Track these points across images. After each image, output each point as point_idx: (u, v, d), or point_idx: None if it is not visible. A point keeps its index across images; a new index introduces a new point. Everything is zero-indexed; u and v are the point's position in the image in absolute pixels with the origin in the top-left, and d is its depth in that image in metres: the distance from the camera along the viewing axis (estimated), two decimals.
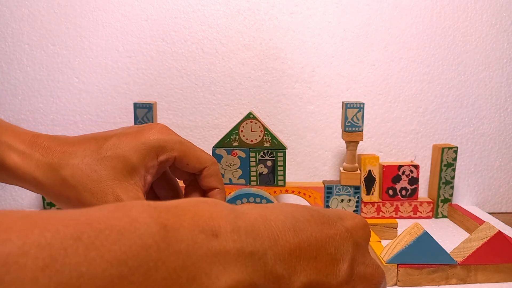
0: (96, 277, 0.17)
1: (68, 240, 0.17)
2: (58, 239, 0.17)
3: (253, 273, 0.21)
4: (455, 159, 0.65)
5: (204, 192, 0.44)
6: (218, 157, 0.62)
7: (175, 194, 0.45)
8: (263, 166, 0.63)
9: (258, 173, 0.64)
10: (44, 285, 0.15)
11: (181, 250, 0.19)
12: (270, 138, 0.62)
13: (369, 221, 0.58)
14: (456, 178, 0.68)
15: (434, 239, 0.44)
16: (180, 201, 0.23)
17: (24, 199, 0.72)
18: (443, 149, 0.65)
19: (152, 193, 0.44)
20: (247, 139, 0.62)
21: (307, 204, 0.67)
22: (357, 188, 0.65)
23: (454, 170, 0.66)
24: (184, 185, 0.44)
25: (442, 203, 0.67)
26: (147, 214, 0.20)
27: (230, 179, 0.63)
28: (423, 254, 0.44)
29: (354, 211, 0.66)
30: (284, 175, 0.64)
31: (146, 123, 0.62)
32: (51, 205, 0.64)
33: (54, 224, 0.17)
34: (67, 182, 0.37)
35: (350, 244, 0.27)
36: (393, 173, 0.65)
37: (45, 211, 0.18)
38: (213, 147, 0.63)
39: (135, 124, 0.61)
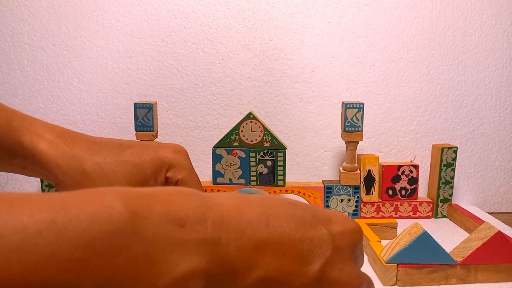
0: (62, 260, 0.18)
1: (42, 223, 0.18)
2: (32, 222, 0.18)
3: (210, 263, 0.23)
4: (454, 159, 0.65)
5: None
6: (218, 157, 0.62)
7: None
8: (263, 166, 0.63)
9: (258, 173, 0.64)
10: (14, 264, 0.17)
11: (146, 237, 0.21)
12: (270, 138, 0.62)
13: (369, 221, 0.58)
14: (456, 178, 0.68)
15: (433, 239, 0.44)
16: (156, 189, 0.24)
17: None
18: (442, 149, 0.65)
19: None
20: (247, 139, 0.62)
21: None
22: (356, 188, 0.65)
23: (453, 170, 0.66)
24: None
25: (442, 203, 0.67)
26: (121, 201, 0.21)
27: (230, 179, 0.63)
28: (423, 254, 0.44)
29: (354, 211, 0.66)
30: (284, 175, 0.64)
31: (147, 123, 0.62)
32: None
33: (31, 208, 0.19)
34: (87, 175, 0.40)
35: (328, 248, 0.27)
36: (393, 173, 0.65)
37: (24, 194, 0.20)
38: (213, 147, 0.63)
39: (135, 123, 0.61)
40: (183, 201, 0.24)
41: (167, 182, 0.44)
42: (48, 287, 0.18)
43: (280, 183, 0.64)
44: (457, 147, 0.65)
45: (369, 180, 0.65)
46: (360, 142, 0.64)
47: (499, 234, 0.45)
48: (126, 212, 0.21)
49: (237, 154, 0.63)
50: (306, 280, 0.26)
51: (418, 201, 0.67)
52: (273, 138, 0.62)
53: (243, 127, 0.62)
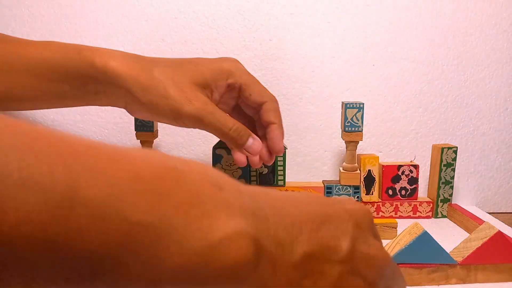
0: (113, 181, 0.17)
1: (84, 147, 0.18)
2: (73, 143, 0.18)
3: (257, 230, 0.22)
4: (454, 159, 0.65)
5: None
6: (218, 157, 0.62)
7: (250, 126, 0.53)
8: (263, 166, 0.63)
9: (258, 173, 0.64)
10: (61, 172, 0.16)
11: (191, 189, 0.20)
12: None
13: None
14: (455, 178, 0.68)
15: (433, 239, 0.44)
16: (186, 159, 0.24)
17: None
18: (442, 149, 0.65)
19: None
20: None
21: None
22: (356, 188, 0.65)
23: (453, 170, 0.66)
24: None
25: (442, 203, 0.67)
26: (159, 154, 0.21)
27: None
28: (423, 254, 0.44)
29: None
30: (284, 175, 0.64)
31: (147, 123, 0.62)
32: None
33: (70, 138, 0.18)
34: (156, 78, 0.46)
35: (350, 225, 0.27)
36: (393, 173, 0.65)
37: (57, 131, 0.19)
38: (213, 147, 0.63)
39: (135, 123, 0.61)
40: (216, 172, 0.23)
41: (229, 88, 0.50)
42: (101, 207, 0.16)
43: (280, 183, 0.64)
44: (457, 147, 0.65)
45: (369, 180, 0.65)
46: (360, 142, 0.64)
47: (499, 234, 0.45)
48: (168, 162, 0.20)
49: None
50: (343, 254, 0.26)
51: (418, 201, 0.67)
52: None
53: None
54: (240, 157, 0.52)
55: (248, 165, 0.63)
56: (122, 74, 0.46)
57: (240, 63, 0.52)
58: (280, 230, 0.23)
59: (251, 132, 0.50)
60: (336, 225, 0.26)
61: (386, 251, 0.28)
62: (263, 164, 0.63)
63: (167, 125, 0.72)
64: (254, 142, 0.51)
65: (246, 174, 0.63)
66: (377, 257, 0.27)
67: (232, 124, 0.48)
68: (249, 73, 0.51)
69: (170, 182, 0.19)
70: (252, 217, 0.22)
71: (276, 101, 0.52)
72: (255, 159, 0.52)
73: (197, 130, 0.73)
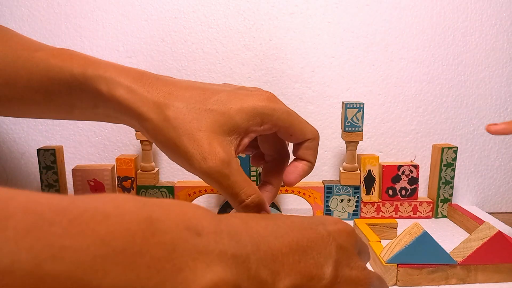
0: (79, 251, 0.17)
1: (52, 213, 0.17)
2: (41, 211, 0.17)
3: (237, 275, 0.21)
4: (455, 159, 0.65)
5: (279, 178, 0.44)
6: None
7: (280, 152, 0.44)
8: None
9: (258, 173, 0.64)
10: (25, 249, 0.16)
11: (166, 241, 0.19)
12: None
13: (369, 221, 0.58)
14: (456, 178, 0.68)
15: (434, 239, 0.44)
16: (164, 199, 0.23)
17: None
18: (443, 149, 0.65)
19: (252, 148, 0.45)
20: None
21: (307, 204, 0.67)
22: (356, 188, 0.65)
23: (454, 170, 0.66)
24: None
25: (442, 203, 0.67)
26: (132, 203, 0.20)
27: None
28: (423, 254, 0.44)
29: (354, 211, 0.66)
30: None
31: None
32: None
33: (38, 204, 0.18)
34: (169, 122, 0.37)
35: (333, 248, 0.27)
36: (393, 173, 0.65)
37: (30, 193, 0.18)
38: None
39: None
40: (195, 211, 0.23)
41: (263, 132, 0.40)
42: (68, 280, 0.16)
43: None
44: (457, 147, 0.65)
45: (369, 180, 0.65)
46: (360, 142, 0.64)
47: (499, 234, 0.45)
48: (141, 213, 0.20)
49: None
50: (326, 281, 0.26)
51: (418, 201, 0.67)
52: None
53: None
54: None
55: (249, 165, 0.63)
56: (131, 110, 0.38)
57: (276, 99, 0.41)
58: (262, 268, 0.23)
59: (266, 202, 0.41)
60: (319, 251, 0.27)
61: (369, 271, 0.29)
62: None
63: None
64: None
65: (246, 174, 0.63)
66: (360, 279, 0.28)
67: (252, 191, 0.39)
68: (287, 111, 0.40)
69: (143, 239, 0.19)
70: (232, 260, 0.21)
71: (318, 137, 0.44)
72: None
73: None
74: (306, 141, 0.44)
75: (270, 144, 0.43)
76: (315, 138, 0.44)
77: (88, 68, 0.39)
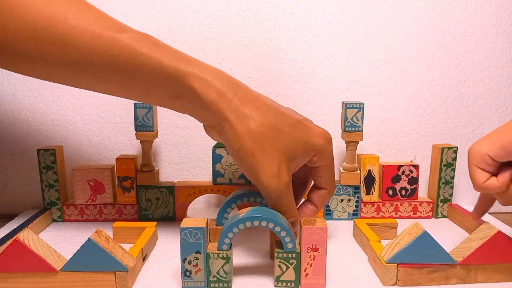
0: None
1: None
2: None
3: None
4: (455, 159, 0.65)
5: (298, 200, 0.52)
6: (218, 157, 0.62)
7: (305, 180, 0.52)
8: None
9: None
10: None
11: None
12: None
13: (369, 221, 0.58)
14: (456, 178, 0.68)
15: (434, 239, 0.44)
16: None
17: (25, 200, 0.72)
18: (443, 149, 0.65)
19: None
20: None
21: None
22: (356, 188, 0.65)
23: (454, 170, 0.66)
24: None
25: (442, 203, 0.67)
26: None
27: (230, 179, 0.63)
28: (423, 254, 0.44)
29: (354, 211, 0.66)
30: None
31: (147, 123, 0.62)
32: (52, 204, 0.64)
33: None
34: (251, 133, 0.42)
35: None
36: (393, 173, 0.65)
37: None
38: (213, 147, 0.63)
39: (135, 123, 0.62)
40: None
41: (309, 163, 0.47)
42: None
43: None
44: (457, 147, 0.65)
45: (369, 180, 0.65)
46: (360, 142, 0.64)
47: (499, 234, 0.45)
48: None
49: None
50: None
51: (418, 201, 0.67)
52: None
53: None
54: None
55: None
56: (218, 112, 0.42)
57: (330, 141, 0.47)
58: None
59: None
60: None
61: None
62: None
63: (167, 124, 0.72)
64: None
65: None
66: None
67: (294, 213, 0.45)
68: (332, 157, 0.47)
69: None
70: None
71: (332, 193, 0.50)
72: None
73: (197, 129, 0.73)
74: (324, 189, 0.49)
75: (301, 170, 0.49)
76: (331, 191, 0.50)
77: (180, 62, 0.42)
